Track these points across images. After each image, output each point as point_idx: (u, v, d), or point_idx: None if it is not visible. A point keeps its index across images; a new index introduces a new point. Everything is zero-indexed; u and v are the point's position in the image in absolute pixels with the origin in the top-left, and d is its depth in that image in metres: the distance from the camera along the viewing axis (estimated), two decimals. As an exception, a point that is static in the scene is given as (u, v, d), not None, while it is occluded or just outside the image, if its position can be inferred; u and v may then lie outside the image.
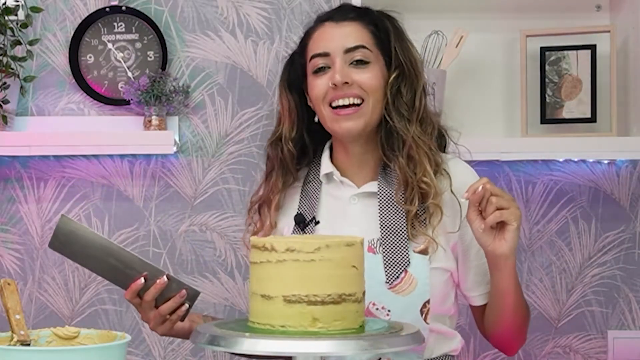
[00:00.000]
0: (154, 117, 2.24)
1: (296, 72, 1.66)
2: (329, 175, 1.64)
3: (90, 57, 2.30)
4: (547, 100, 2.25)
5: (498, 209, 1.42)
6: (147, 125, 2.24)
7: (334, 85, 1.54)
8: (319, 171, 1.65)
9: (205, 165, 2.33)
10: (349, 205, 1.61)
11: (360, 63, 1.56)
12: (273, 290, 1.23)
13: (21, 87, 2.25)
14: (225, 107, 2.33)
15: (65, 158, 2.32)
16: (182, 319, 1.52)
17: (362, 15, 1.61)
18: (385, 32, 1.60)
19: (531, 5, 2.31)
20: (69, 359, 1.28)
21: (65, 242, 1.46)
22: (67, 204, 2.32)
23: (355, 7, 1.65)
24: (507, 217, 1.42)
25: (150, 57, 2.30)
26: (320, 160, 1.67)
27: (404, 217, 1.55)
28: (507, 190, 2.33)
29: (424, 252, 1.54)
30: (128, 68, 2.30)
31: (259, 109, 2.32)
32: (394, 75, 1.57)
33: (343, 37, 1.57)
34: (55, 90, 2.33)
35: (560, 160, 2.31)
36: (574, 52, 2.24)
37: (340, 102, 1.56)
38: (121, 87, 2.29)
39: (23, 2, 2.23)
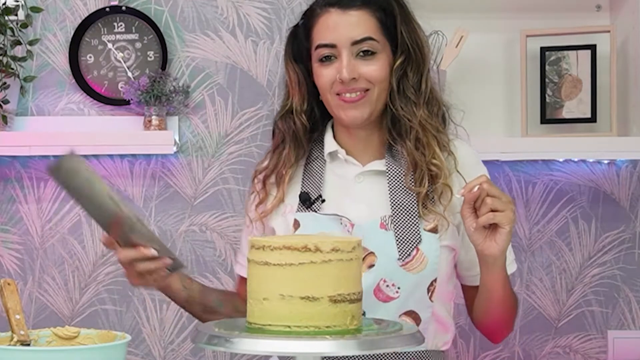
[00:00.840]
0: (154, 117, 2.24)
1: (300, 47, 1.65)
2: (332, 154, 1.64)
3: (90, 57, 2.31)
4: (547, 100, 2.26)
5: (492, 210, 1.42)
6: (147, 125, 2.24)
7: (342, 81, 1.55)
8: (322, 149, 1.65)
9: (205, 165, 2.33)
10: (354, 184, 1.61)
11: (367, 54, 1.56)
12: (318, 291, 1.23)
13: (21, 87, 2.26)
14: (225, 107, 2.34)
15: (65, 158, 2.33)
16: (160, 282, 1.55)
17: (369, 0, 1.59)
18: (392, 17, 1.60)
19: (531, 5, 2.31)
20: (69, 359, 1.28)
21: (67, 176, 1.41)
22: (67, 203, 2.33)
23: None
24: (500, 220, 1.42)
25: (150, 57, 2.31)
26: (322, 139, 1.67)
27: (414, 196, 1.56)
28: (506, 190, 2.33)
29: (434, 230, 1.56)
30: (128, 68, 2.31)
31: (259, 109, 2.33)
32: (399, 61, 1.58)
33: (350, 27, 1.56)
34: (55, 90, 2.33)
35: (560, 160, 2.32)
36: (574, 52, 2.25)
37: (347, 96, 1.57)
38: (121, 87, 2.30)
39: (23, 2, 2.24)
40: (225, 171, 2.32)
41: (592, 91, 2.24)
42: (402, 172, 1.58)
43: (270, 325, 1.24)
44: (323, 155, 1.65)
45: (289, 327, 1.23)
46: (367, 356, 1.51)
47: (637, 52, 2.19)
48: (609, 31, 2.22)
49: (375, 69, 1.56)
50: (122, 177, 2.34)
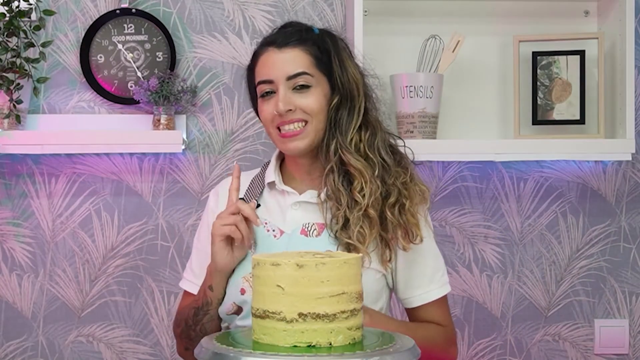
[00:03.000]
0: (162, 116, 2.30)
1: (251, 87, 1.73)
2: (271, 184, 1.72)
3: (100, 57, 2.37)
4: (539, 102, 2.34)
5: None
6: (156, 124, 2.31)
7: (278, 113, 1.62)
8: (264, 175, 1.74)
9: (212, 161, 2.40)
10: (289, 210, 1.68)
11: (303, 87, 1.63)
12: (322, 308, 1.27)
13: (34, 88, 2.31)
14: (231, 106, 2.40)
15: (76, 155, 2.38)
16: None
17: (304, 39, 1.65)
18: (326, 54, 1.66)
19: (524, 12, 2.39)
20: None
21: None
22: (78, 199, 2.39)
23: (297, 28, 1.68)
24: None
25: (159, 58, 2.37)
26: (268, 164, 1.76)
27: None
28: (499, 186, 2.43)
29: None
30: (137, 68, 2.36)
31: (263, 108, 2.40)
32: (335, 100, 1.65)
33: (285, 64, 1.62)
34: (66, 88, 2.39)
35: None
36: (564, 57, 2.33)
37: (286, 128, 1.64)
38: (131, 87, 2.36)
39: (36, 5, 2.29)
40: (231, 167, 2.38)
41: (581, 94, 2.32)
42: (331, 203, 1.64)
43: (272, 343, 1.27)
44: (264, 179, 1.73)
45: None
46: None
47: (624, 58, 2.26)
48: (597, 37, 2.30)
49: (310, 101, 1.63)
50: (131, 173, 2.40)
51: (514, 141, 2.31)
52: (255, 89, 1.68)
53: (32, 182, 2.39)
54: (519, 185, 2.44)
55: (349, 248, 1.60)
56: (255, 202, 1.66)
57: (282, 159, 1.75)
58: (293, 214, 1.67)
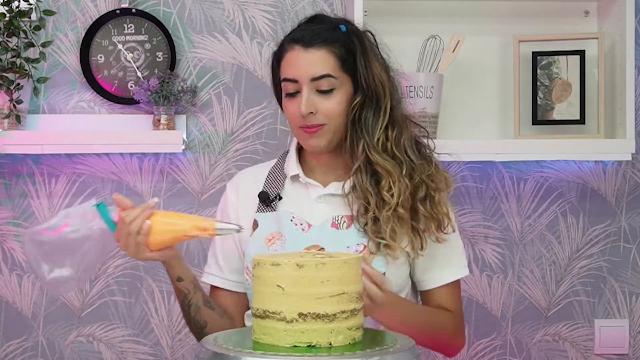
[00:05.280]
0: (162, 116, 2.30)
1: (275, 75, 1.76)
2: (294, 177, 1.73)
3: (100, 57, 2.37)
4: (539, 102, 2.34)
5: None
6: (156, 124, 2.31)
7: (301, 115, 1.65)
8: (282, 165, 1.75)
9: (212, 161, 2.40)
10: (316, 203, 1.70)
11: (326, 92, 1.65)
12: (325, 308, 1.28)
13: (34, 88, 2.30)
14: (232, 106, 2.40)
15: (76, 155, 2.38)
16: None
17: (330, 38, 1.67)
18: (352, 55, 1.68)
19: (524, 12, 2.39)
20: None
21: None
22: (78, 199, 2.38)
23: (325, 27, 1.69)
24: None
25: (159, 58, 2.37)
26: (285, 156, 1.77)
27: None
28: (499, 186, 2.43)
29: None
30: (137, 68, 2.36)
31: (263, 107, 2.40)
32: (357, 100, 1.66)
33: (310, 64, 1.65)
34: (66, 88, 2.39)
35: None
36: (564, 57, 2.33)
37: (308, 123, 1.66)
38: (131, 87, 2.36)
39: (36, 5, 2.29)
40: (231, 167, 2.39)
41: (581, 94, 2.31)
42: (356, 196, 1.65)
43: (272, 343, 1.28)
44: (283, 170, 1.75)
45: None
46: None
47: (624, 58, 2.26)
48: (597, 38, 2.30)
49: (332, 105, 1.65)
50: (131, 173, 2.40)
51: (514, 141, 2.31)
52: (280, 83, 1.71)
53: (32, 182, 2.39)
54: (519, 185, 2.44)
55: (379, 244, 1.61)
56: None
57: (300, 149, 1.76)
58: (319, 207, 1.68)
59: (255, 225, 1.70)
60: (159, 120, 2.31)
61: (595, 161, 2.43)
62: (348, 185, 1.66)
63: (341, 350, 1.25)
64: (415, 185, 1.64)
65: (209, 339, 1.34)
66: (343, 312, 1.27)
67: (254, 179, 1.77)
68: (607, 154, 2.31)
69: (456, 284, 1.74)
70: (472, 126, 2.39)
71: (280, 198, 1.70)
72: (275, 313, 1.27)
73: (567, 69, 2.33)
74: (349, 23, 1.74)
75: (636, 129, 2.39)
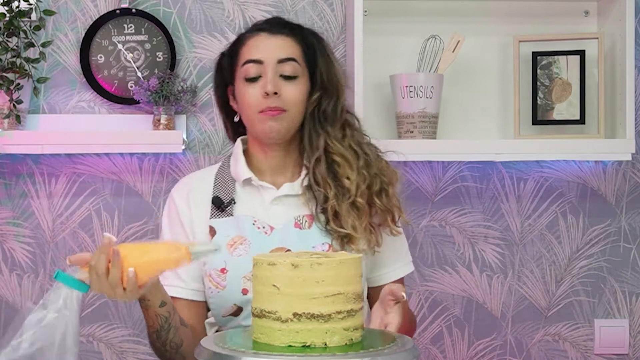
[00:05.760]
0: (162, 116, 2.30)
1: (223, 72, 1.73)
2: (246, 181, 1.69)
3: (100, 57, 2.37)
4: (539, 102, 2.34)
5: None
6: (156, 124, 2.31)
7: (266, 94, 1.62)
8: (228, 169, 1.72)
9: (212, 161, 2.39)
10: (271, 206, 1.67)
11: (290, 78, 1.65)
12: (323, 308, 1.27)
13: (34, 88, 2.31)
14: (231, 106, 2.41)
15: (76, 155, 2.38)
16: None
17: (294, 31, 1.69)
18: (312, 50, 1.69)
19: (524, 12, 2.39)
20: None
21: None
22: (78, 199, 2.39)
23: (288, 22, 1.72)
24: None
25: (159, 58, 2.37)
26: (229, 160, 1.74)
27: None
28: (499, 186, 2.44)
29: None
30: (137, 68, 2.37)
31: (263, 108, 2.40)
32: (316, 96, 1.68)
33: (277, 48, 1.65)
34: (66, 88, 2.39)
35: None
36: (564, 57, 2.34)
37: (271, 105, 1.63)
38: (131, 87, 2.36)
39: (36, 5, 2.29)
40: (231, 168, 2.40)
41: (581, 94, 2.32)
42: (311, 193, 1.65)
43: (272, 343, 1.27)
44: (230, 173, 1.71)
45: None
46: None
47: (624, 58, 2.27)
48: (597, 38, 2.31)
49: (295, 91, 1.65)
50: (131, 173, 2.40)
51: (514, 141, 2.31)
52: (233, 74, 1.68)
53: (32, 182, 2.39)
54: (519, 185, 2.44)
55: (343, 240, 1.61)
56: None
57: (246, 152, 1.73)
58: (275, 210, 1.66)
59: (213, 231, 1.65)
60: (159, 120, 2.31)
61: (595, 161, 2.44)
62: (302, 184, 1.67)
63: (336, 351, 1.24)
64: (371, 178, 1.67)
65: (207, 340, 1.34)
66: (339, 312, 1.26)
67: (201, 184, 1.72)
68: (607, 154, 2.31)
69: (403, 278, 1.74)
70: (472, 126, 2.40)
71: (234, 202, 1.68)
72: (271, 312, 1.27)
73: (567, 69, 2.34)
74: (307, 28, 1.75)
75: (636, 129, 2.40)
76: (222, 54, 1.75)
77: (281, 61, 1.64)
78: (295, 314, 1.25)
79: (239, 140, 1.75)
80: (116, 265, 1.39)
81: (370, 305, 1.72)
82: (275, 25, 1.69)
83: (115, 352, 2.39)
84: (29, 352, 1.40)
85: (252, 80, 1.65)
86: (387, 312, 1.48)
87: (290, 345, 1.26)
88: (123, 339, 2.40)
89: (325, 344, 1.26)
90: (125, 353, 2.40)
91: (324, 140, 1.66)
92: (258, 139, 1.69)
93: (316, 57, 1.69)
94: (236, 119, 1.73)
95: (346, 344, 1.28)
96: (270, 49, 1.65)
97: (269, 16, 2.37)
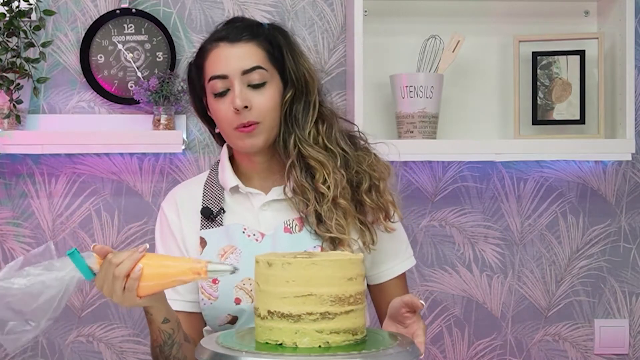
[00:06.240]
0: (162, 116, 2.31)
1: (194, 83, 1.69)
2: (233, 189, 1.67)
3: (100, 57, 2.37)
4: (539, 102, 2.35)
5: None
6: (156, 124, 2.31)
7: (236, 110, 1.58)
8: (217, 178, 1.69)
9: (212, 162, 2.39)
10: (260, 212, 1.65)
11: (258, 86, 1.60)
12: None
13: (34, 88, 2.31)
14: (231, 106, 2.41)
15: (76, 155, 2.38)
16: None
17: (256, 33, 1.63)
18: (278, 48, 1.64)
19: (524, 12, 2.39)
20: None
21: None
22: (78, 199, 2.39)
23: (247, 23, 1.65)
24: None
25: (159, 58, 2.37)
26: (217, 167, 1.71)
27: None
28: (499, 186, 2.44)
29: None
30: (137, 68, 2.37)
31: (263, 108, 2.40)
32: (288, 95, 1.63)
33: (239, 58, 1.59)
34: (66, 88, 2.39)
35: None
36: (564, 57, 2.34)
37: (244, 121, 1.60)
38: (131, 87, 2.36)
39: (36, 5, 2.29)
40: (231, 168, 2.39)
41: (581, 94, 2.32)
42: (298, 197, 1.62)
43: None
44: (218, 181, 1.69)
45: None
46: None
47: (624, 58, 2.27)
48: (597, 37, 2.31)
49: (265, 100, 1.60)
50: (131, 173, 2.40)
51: (514, 141, 2.31)
52: (203, 88, 1.64)
53: (32, 182, 2.39)
54: (519, 185, 2.44)
55: (334, 242, 1.59)
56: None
57: (232, 158, 1.70)
58: (265, 215, 1.64)
59: (203, 243, 1.63)
60: (159, 120, 2.31)
61: (595, 161, 2.44)
62: (289, 188, 1.63)
63: (307, 352, 1.23)
64: (356, 176, 1.63)
65: (208, 339, 1.34)
66: (310, 314, 1.25)
67: (189, 195, 1.70)
68: (607, 154, 2.31)
69: (404, 274, 1.71)
70: (472, 126, 2.40)
71: (224, 212, 1.65)
72: (256, 309, 1.30)
73: (567, 69, 2.34)
74: (270, 23, 1.70)
75: (636, 129, 2.40)
76: (190, 65, 1.70)
77: (246, 72, 1.59)
78: (269, 312, 1.27)
79: (224, 146, 1.71)
80: (131, 259, 1.38)
81: (373, 305, 1.72)
82: (234, 31, 1.62)
83: (115, 352, 2.40)
84: (28, 290, 1.37)
85: (221, 95, 1.60)
86: (407, 325, 1.44)
87: (267, 343, 1.27)
88: (123, 339, 2.40)
89: (296, 345, 1.25)
90: (125, 353, 2.40)
91: (295, 144, 1.61)
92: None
93: (283, 54, 1.63)
94: (217, 131, 1.68)
95: (319, 346, 1.25)
96: (233, 61, 1.59)
97: (269, 16, 2.40)
